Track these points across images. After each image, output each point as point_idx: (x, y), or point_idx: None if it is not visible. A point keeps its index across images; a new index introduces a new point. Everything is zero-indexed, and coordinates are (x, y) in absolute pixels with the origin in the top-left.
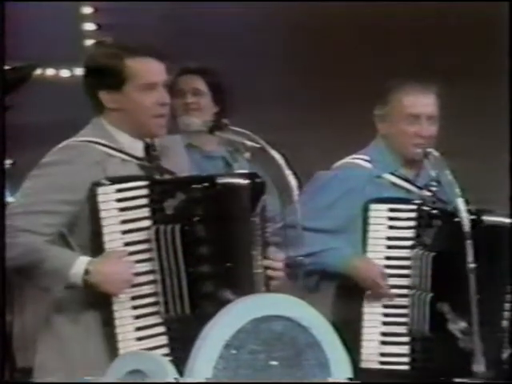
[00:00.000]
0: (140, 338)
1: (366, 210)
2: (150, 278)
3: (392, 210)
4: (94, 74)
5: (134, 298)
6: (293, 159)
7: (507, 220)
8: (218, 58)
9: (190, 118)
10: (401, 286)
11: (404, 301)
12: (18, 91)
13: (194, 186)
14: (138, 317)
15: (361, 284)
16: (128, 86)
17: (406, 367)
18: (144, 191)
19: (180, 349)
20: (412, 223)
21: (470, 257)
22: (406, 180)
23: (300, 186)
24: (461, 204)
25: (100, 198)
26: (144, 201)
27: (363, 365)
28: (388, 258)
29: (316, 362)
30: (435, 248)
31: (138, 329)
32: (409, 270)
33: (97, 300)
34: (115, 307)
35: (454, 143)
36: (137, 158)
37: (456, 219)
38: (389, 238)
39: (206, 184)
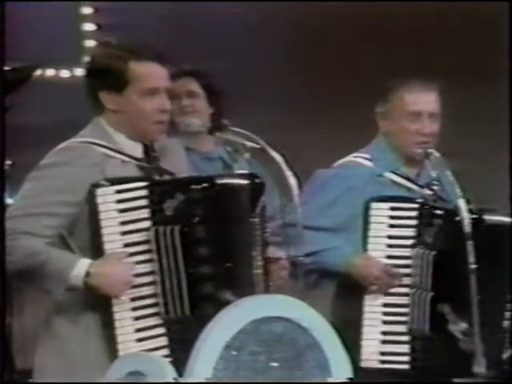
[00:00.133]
0: (140, 340)
1: (367, 208)
2: (150, 279)
3: (393, 209)
4: (97, 74)
5: (133, 300)
6: (293, 160)
7: (508, 219)
8: (218, 58)
9: (189, 118)
10: (401, 284)
11: (404, 300)
12: (18, 92)
13: (193, 186)
14: (137, 318)
15: (362, 282)
16: (130, 89)
17: (406, 366)
18: (143, 192)
19: (180, 350)
20: (413, 222)
21: (471, 257)
22: (407, 179)
23: (300, 187)
24: (462, 205)
25: (99, 200)
26: (143, 202)
27: (363, 364)
28: (389, 257)
29: (316, 363)
30: (436, 247)
31: (138, 330)
32: (409, 269)
33: (97, 301)
34: (115, 308)
35: (454, 143)
36: (136, 159)
37: (457, 218)
38: (390, 237)
39: (205, 185)
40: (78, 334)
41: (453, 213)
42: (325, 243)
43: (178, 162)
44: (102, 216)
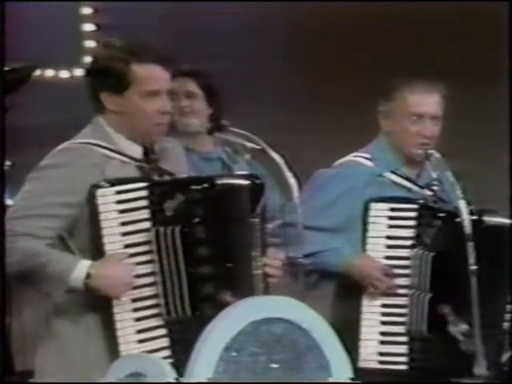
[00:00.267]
0: (141, 341)
1: (366, 208)
2: (151, 280)
3: (393, 210)
4: (98, 74)
5: (134, 301)
6: (293, 160)
7: (508, 221)
8: (218, 58)
9: (188, 119)
10: (400, 285)
11: (403, 300)
12: (18, 92)
13: (193, 187)
14: (138, 319)
15: (361, 282)
16: (131, 90)
17: (404, 367)
18: (143, 193)
19: (181, 351)
20: (412, 223)
21: (472, 258)
22: (408, 179)
23: (300, 187)
24: (462, 205)
25: (99, 200)
26: (143, 202)
27: (362, 364)
28: (388, 258)
29: (316, 364)
30: (435, 248)
31: (139, 331)
32: (408, 270)
33: (97, 302)
34: (116, 310)
35: (454, 143)
36: (136, 160)
37: (457, 219)
38: (389, 238)
39: (205, 185)
40: (78, 335)
41: (452, 214)
42: (324, 244)
43: (177, 163)
44: (102, 217)
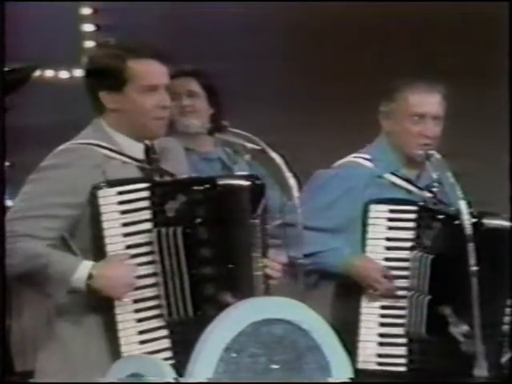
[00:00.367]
0: (143, 342)
1: (365, 210)
2: (152, 280)
3: (392, 211)
4: (96, 74)
5: (136, 301)
6: (293, 160)
7: (508, 223)
8: (218, 58)
9: (188, 119)
10: (399, 287)
11: (402, 302)
12: (17, 93)
13: (195, 187)
14: (140, 320)
15: (360, 283)
16: (129, 87)
17: (403, 368)
18: (145, 193)
19: (183, 352)
20: (412, 224)
21: (472, 259)
22: (407, 180)
23: (300, 187)
24: (463, 206)
25: (101, 201)
26: (145, 203)
27: (360, 366)
28: (387, 259)
29: (316, 365)
30: (434, 250)
31: (141, 332)
32: (407, 272)
33: (99, 303)
34: (117, 311)
35: (454, 143)
36: (137, 160)
37: (456, 222)
38: (388, 239)
39: (207, 186)
40: (79, 336)
41: (452, 216)
42: (324, 244)
43: (177, 163)
44: (104, 218)
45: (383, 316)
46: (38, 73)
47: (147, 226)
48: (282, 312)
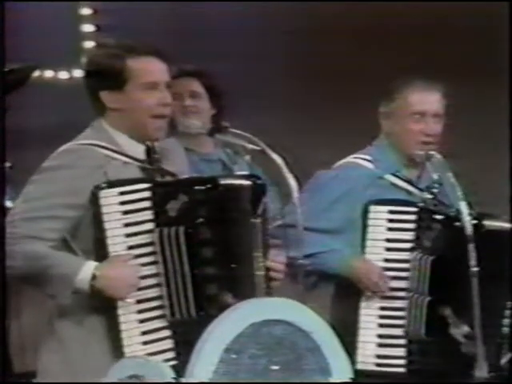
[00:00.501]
0: (146, 342)
1: (365, 211)
2: (155, 281)
3: (392, 212)
4: (96, 74)
5: (139, 302)
6: (293, 161)
7: (508, 225)
8: (219, 58)
9: (189, 120)
10: (399, 288)
11: (401, 303)
12: (17, 93)
13: (196, 187)
14: (143, 321)
15: (359, 285)
16: (130, 85)
17: (402, 369)
18: (146, 194)
19: (185, 353)
20: (412, 226)
21: (473, 260)
22: (408, 181)
23: (300, 188)
24: (463, 207)
25: (102, 202)
26: (147, 203)
27: (360, 366)
28: (386, 260)
29: (316, 366)
30: (434, 251)
31: (144, 333)
32: (407, 273)
33: (102, 304)
34: (120, 311)
35: (454, 143)
36: (138, 161)
37: (456, 223)
38: (388, 240)
39: (208, 185)
40: (82, 336)
41: (452, 217)
42: (323, 245)
43: (179, 163)
44: (106, 218)
45: (382, 317)
46: (37, 73)
47: (149, 226)
48: (282, 313)
